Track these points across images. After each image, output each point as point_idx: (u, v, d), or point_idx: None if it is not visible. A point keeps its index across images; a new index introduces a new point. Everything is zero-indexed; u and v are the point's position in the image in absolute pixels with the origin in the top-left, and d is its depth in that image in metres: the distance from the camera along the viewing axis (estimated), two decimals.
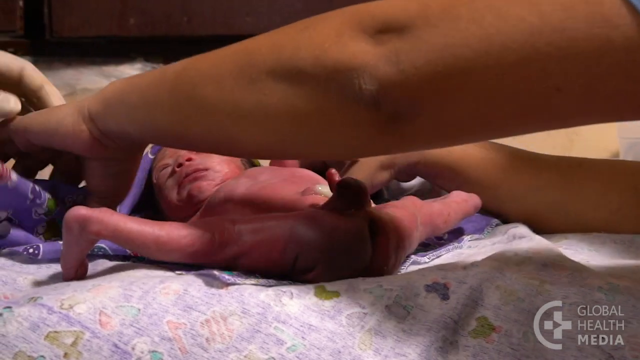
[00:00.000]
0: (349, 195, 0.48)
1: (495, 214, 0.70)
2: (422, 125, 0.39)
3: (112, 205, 0.59)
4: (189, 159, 0.72)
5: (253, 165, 0.81)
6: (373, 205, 0.53)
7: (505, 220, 0.69)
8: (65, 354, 0.36)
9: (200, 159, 0.72)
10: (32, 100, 0.61)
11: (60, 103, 0.61)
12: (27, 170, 0.60)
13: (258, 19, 1.26)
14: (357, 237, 0.46)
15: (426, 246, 0.60)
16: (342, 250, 0.45)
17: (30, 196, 0.53)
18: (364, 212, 0.48)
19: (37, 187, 0.54)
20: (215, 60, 0.46)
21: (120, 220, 0.44)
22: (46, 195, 0.55)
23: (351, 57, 0.38)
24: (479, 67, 0.35)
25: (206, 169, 0.70)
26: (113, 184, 0.58)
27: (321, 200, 0.54)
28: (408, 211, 0.52)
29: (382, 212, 0.50)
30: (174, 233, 0.44)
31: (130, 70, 1.29)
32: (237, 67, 0.44)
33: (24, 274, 0.47)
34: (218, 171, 0.71)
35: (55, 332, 0.37)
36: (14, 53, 1.22)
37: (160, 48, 1.31)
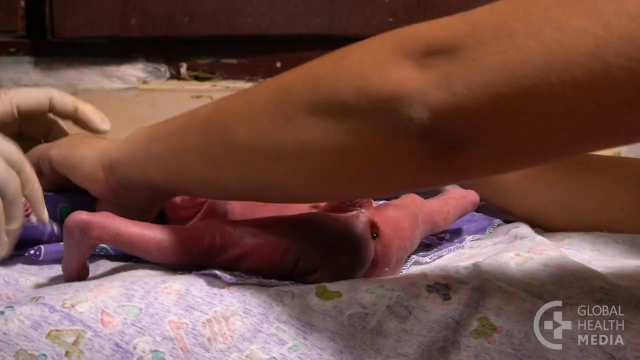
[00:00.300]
0: None
1: (499, 209, 0.70)
2: (478, 153, 0.36)
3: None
4: None
5: None
6: (375, 205, 0.53)
7: (509, 215, 0.69)
8: (67, 353, 0.36)
9: None
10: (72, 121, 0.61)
11: (97, 116, 0.61)
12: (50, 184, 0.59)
13: (260, 20, 1.26)
14: (359, 240, 0.46)
15: (428, 246, 0.60)
16: (343, 253, 0.45)
17: (45, 238, 0.53)
18: (365, 214, 0.48)
19: (54, 228, 0.54)
20: (247, 98, 0.44)
21: (121, 224, 0.44)
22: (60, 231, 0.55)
23: (396, 85, 0.35)
24: (541, 84, 0.33)
25: None
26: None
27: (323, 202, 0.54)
28: (409, 211, 0.52)
29: (384, 213, 0.50)
30: (175, 237, 0.44)
31: (132, 71, 1.29)
32: (272, 105, 0.41)
33: (27, 275, 0.47)
34: None
35: (57, 330, 0.37)
36: (15, 54, 1.22)
37: (162, 48, 1.31)
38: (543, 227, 0.66)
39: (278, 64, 1.28)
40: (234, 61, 1.30)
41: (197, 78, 1.31)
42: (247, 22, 1.27)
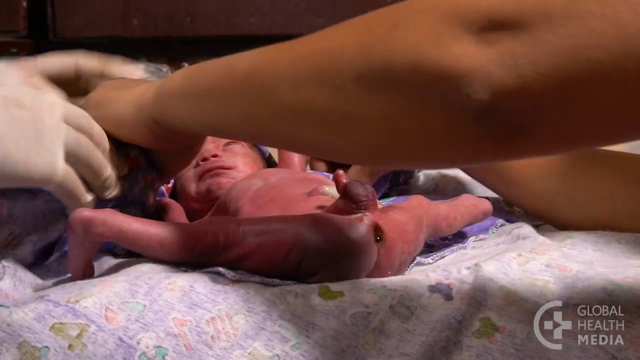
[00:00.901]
0: (355, 199, 0.48)
1: (502, 196, 0.70)
2: (540, 136, 0.34)
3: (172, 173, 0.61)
4: (215, 155, 0.72)
5: (269, 166, 0.81)
6: (380, 205, 0.53)
7: (512, 207, 0.70)
8: (70, 346, 0.36)
9: (226, 157, 0.72)
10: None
11: (125, 72, 0.61)
12: None
13: (261, 20, 1.26)
14: (362, 244, 0.46)
15: (430, 247, 0.60)
16: (346, 256, 0.45)
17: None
18: (370, 217, 0.47)
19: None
20: (292, 60, 0.41)
21: (124, 221, 0.44)
22: None
23: (455, 62, 0.33)
24: (615, 71, 0.31)
25: (230, 168, 0.71)
26: (177, 161, 0.59)
27: (327, 201, 0.54)
28: (414, 214, 0.52)
29: (388, 216, 0.49)
30: (178, 234, 0.45)
31: (134, 71, 1.29)
32: (319, 72, 0.38)
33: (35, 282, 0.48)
34: (241, 171, 0.72)
35: (61, 323, 0.37)
36: (17, 54, 1.22)
37: (164, 48, 1.31)
38: (544, 218, 0.65)
39: None
40: None
41: None
42: (249, 22, 1.27)
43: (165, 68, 1.32)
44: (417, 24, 0.35)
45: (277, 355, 0.37)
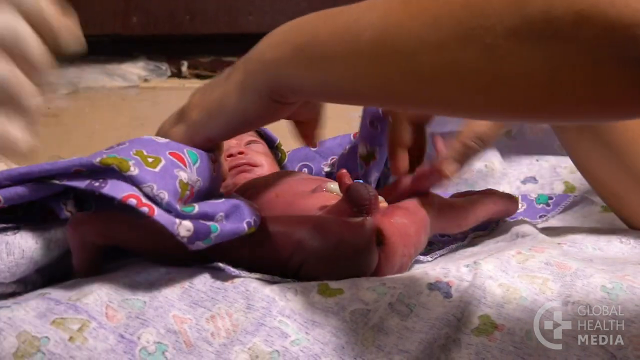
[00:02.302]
0: (357, 202, 0.48)
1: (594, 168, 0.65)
2: None
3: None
4: (241, 152, 0.73)
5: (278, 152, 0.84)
6: (384, 205, 0.52)
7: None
8: (71, 338, 0.36)
9: (251, 155, 0.73)
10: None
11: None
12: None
13: (261, 18, 1.26)
14: (363, 249, 0.45)
15: (430, 244, 0.60)
16: (346, 261, 0.45)
17: None
18: (371, 221, 0.47)
19: None
20: (427, 19, 0.37)
21: (115, 224, 0.43)
22: None
23: (632, 11, 0.30)
24: None
25: (256, 165, 0.72)
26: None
27: (331, 198, 0.53)
28: (417, 216, 0.51)
29: (390, 220, 0.48)
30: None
31: (133, 69, 1.29)
32: (463, 30, 0.35)
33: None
34: (266, 170, 0.74)
35: (62, 318, 0.37)
36: None
37: (163, 47, 1.31)
38: (591, 179, 0.64)
39: None
40: (235, 59, 1.30)
41: (199, 76, 1.31)
42: (249, 21, 1.27)
43: (164, 66, 1.32)
44: None
45: (277, 350, 0.37)
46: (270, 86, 0.46)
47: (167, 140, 0.47)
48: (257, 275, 0.43)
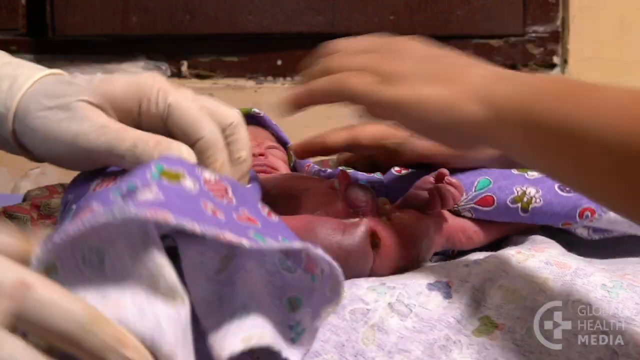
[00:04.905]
0: (352, 204, 0.48)
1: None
2: None
3: None
4: (261, 154, 0.74)
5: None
6: (388, 206, 0.51)
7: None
8: None
9: (270, 158, 0.74)
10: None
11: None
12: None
13: (261, 18, 1.26)
14: (356, 250, 0.45)
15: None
16: (339, 262, 0.45)
17: None
18: (367, 222, 0.46)
19: None
20: None
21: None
22: None
23: None
24: None
25: (275, 169, 0.73)
26: None
27: (331, 199, 0.53)
28: (419, 222, 0.50)
29: (387, 222, 0.48)
30: None
31: (133, 69, 1.29)
32: None
33: None
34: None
35: None
36: (17, 52, 1.22)
37: (163, 46, 1.31)
38: None
39: (279, 62, 1.29)
40: (235, 59, 1.30)
41: (198, 76, 1.31)
42: (248, 20, 1.27)
43: (164, 66, 1.32)
44: None
45: None
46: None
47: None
48: None
